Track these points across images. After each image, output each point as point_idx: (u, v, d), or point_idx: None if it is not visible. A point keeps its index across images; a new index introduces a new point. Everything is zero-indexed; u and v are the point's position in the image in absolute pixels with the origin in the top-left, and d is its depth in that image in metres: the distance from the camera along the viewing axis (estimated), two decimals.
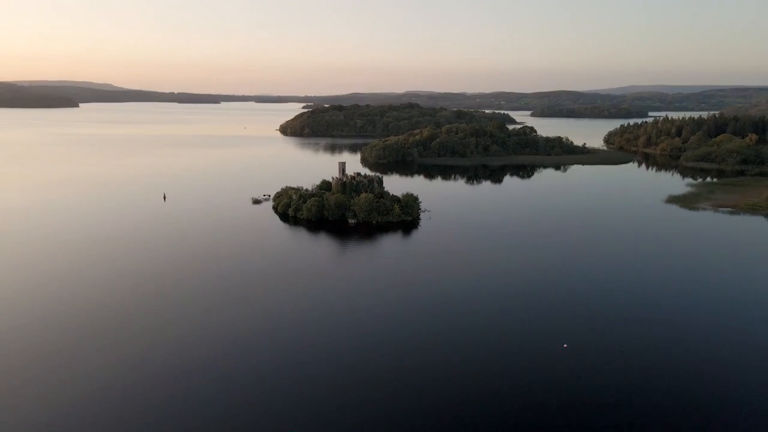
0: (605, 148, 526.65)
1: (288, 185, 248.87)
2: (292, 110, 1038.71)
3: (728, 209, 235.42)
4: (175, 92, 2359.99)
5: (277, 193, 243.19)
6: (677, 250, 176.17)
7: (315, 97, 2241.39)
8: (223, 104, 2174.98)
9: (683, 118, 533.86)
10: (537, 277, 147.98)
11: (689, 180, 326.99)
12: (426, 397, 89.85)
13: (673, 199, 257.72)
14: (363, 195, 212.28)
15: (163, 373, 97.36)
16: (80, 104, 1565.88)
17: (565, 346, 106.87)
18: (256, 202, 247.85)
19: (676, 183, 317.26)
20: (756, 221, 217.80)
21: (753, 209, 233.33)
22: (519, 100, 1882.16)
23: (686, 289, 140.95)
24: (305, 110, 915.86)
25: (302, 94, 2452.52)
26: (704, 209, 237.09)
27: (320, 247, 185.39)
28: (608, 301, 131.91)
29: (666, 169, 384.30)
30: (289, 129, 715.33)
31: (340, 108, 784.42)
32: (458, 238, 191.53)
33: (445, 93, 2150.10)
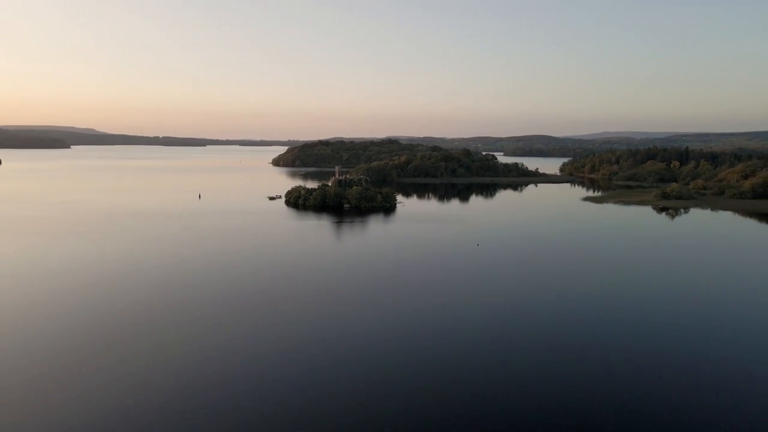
0: (558, 174, 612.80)
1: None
2: (278, 151, 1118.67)
3: (623, 202, 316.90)
4: (160, 136, 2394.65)
5: (288, 191, 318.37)
6: (582, 228, 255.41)
7: (298, 141, 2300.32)
8: (209, 147, 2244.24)
9: (622, 150, 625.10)
10: (475, 237, 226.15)
11: (611, 191, 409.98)
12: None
13: (587, 199, 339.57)
14: (354, 188, 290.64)
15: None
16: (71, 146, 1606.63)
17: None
18: (272, 198, 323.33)
19: (599, 193, 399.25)
20: (640, 209, 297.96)
21: (642, 203, 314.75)
22: (495, 143, 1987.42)
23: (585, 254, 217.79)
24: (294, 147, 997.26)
25: (285, 138, 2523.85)
26: (607, 203, 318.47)
27: (323, 221, 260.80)
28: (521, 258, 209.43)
29: (599, 187, 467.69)
30: (282, 161, 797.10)
31: (327, 143, 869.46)
32: (424, 218, 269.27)
33: (425, 137, 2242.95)
